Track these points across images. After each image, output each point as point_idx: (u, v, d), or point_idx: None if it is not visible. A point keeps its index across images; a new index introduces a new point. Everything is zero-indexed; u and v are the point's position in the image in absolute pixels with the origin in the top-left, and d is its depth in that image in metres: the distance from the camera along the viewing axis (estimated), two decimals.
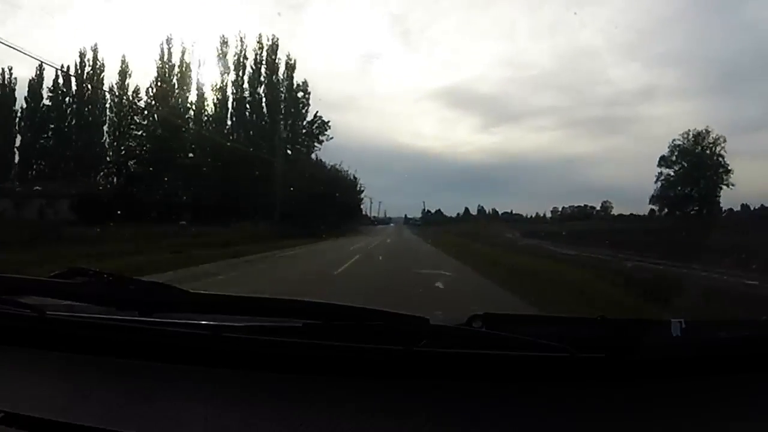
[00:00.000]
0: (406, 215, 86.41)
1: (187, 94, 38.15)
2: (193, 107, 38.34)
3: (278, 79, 38.78)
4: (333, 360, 1.16)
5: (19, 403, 1.05)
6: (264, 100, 38.45)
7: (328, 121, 39.91)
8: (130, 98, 38.75)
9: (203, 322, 1.23)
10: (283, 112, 38.81)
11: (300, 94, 39.19)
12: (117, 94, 38.90)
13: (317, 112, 39.74)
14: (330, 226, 34.92)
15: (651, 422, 1.01)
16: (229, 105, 38.48)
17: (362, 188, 51.70)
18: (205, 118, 37.89)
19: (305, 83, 39.39)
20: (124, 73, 38.75)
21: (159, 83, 37.49)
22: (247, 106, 38.47)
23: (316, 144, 39.82)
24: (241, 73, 37.98)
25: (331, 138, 39.75)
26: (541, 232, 39.09)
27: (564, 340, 1.10)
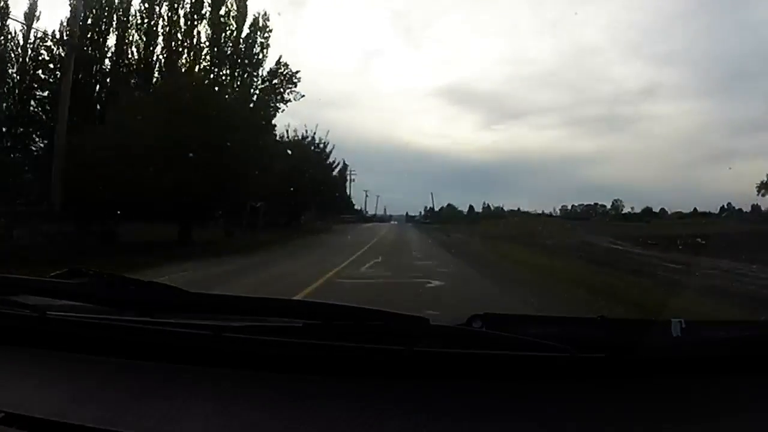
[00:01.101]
0: (407, 213, 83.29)
1: (107, 38, 24.92)
2: (112, 54, 25.02)
3: (226, 12, 25.30)
4: (333, 360, 1.16)
5: (19, 403, 1.05)
6: (205, 42, 25.23)
7: (297, 72, 26.20)
8: (36, 47, 24.89)
9: (203, 322, 1.23)
10: (229, 56, 25.79)
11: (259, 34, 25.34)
12: (20, 43, 25.04)
13: (280, 57, 26.17)
14: (253, 221, 23.65)
15: (651, 422, 1.01)
16: (158, 50, 25.24)
17: (339, 163, 39.34)
18: (123, 70, 24.88)
19: (265, 17, 25.97)
20: (31, 16, 25.29)
21: (69, 26, 23.32)
22: (182, 51, 25.03)
23: (279, 104, 26.11)
24: (175, 5, 24.93)
25: (302, 96, 26.24)
26: (644, 238, 24.57)
27: (564, 340, 1.10)
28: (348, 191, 60.19)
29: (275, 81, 26.09)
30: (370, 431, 0.98)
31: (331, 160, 40.34)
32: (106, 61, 25.26)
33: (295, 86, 26.33)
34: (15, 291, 1.41)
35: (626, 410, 1.05)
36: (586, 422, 1.02)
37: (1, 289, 1.40)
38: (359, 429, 0.98)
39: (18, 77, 26.03)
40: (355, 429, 0.98)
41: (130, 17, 25.03)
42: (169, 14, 24.95)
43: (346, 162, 52.60)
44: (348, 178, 57.77)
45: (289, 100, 26.33)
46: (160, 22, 25.05)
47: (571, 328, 1.24)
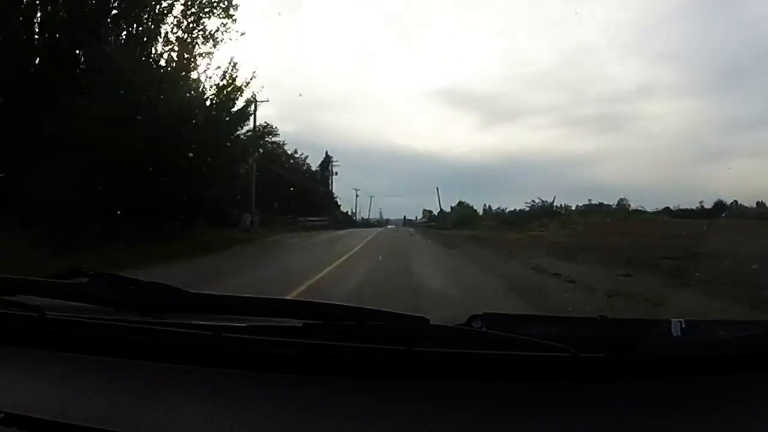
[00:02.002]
0: (404, 216, 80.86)
1: None
2: None
3: None
4: (333, 360, 1.16)
5: (19, 404, 1.05)
6: None
7: None
8: None
9: (203, 323, 1.23)
10: None
11: None
12: None
13: None
14: None
15: (651, 422, 1.01)
16: None
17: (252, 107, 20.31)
18: None
19: None
20: None
21: None
22: None
23: (207, 42, 16.93)
24: None
25: (243, 34, 17.37)
26: None
27: (564, 340, 1.10)
28: (330, 187, 49.58)
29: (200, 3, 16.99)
30: (370, 431, 0.98)
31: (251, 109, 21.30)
32: None
33: (232, 19, 16.90)
34: (14, 291, 1.41)
35: (626, 410, 1.05)
36: (586, 422, 1.02)
37: (1, 289, 1.40)
38: (359, 429, 0.98)
39: None
40: (355, 429, 0.98)
41: None
42: None
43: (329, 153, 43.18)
44: (331, 170, 48.14)
45: (220, 41, 16.94)
46: None
47: (571, 328, 1.24)
